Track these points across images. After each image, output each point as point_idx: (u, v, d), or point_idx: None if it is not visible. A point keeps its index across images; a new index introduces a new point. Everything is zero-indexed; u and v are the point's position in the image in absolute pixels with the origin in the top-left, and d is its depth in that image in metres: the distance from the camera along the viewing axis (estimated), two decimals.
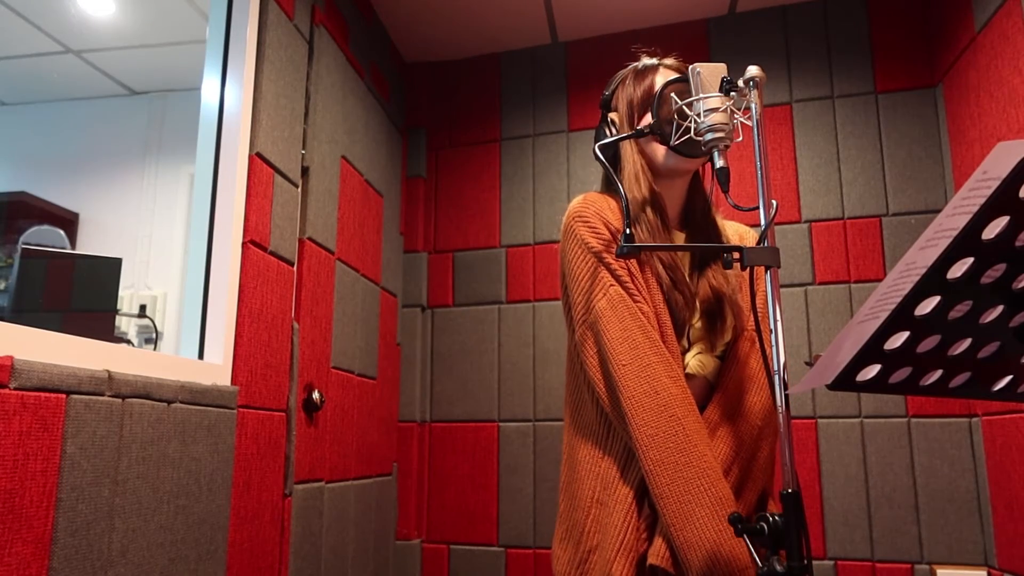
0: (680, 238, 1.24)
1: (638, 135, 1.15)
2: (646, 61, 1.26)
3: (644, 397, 1.03)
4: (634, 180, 1.18)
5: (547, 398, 2.51)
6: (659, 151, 1.18)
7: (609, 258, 1.11)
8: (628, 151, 1.21)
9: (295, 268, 1.88)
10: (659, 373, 1.04)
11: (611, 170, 1.14)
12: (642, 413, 1.02)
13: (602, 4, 2.54)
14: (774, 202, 1.00)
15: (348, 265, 2.21)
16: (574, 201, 1.19)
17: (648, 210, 1.16)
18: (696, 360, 1.15)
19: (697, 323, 1.17)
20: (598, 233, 1.13)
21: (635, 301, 1.08)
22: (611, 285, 1.10)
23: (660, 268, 1.14)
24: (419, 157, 2.80)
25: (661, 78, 1.21)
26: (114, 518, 1.16)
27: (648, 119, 1.21)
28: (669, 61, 1.25)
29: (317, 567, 1.87)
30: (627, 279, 1.10)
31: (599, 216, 1.15)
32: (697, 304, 1.17)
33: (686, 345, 1.16)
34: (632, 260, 1.12)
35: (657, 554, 1.02)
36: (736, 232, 1.28)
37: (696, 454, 1.00)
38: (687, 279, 1.16)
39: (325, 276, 2.04)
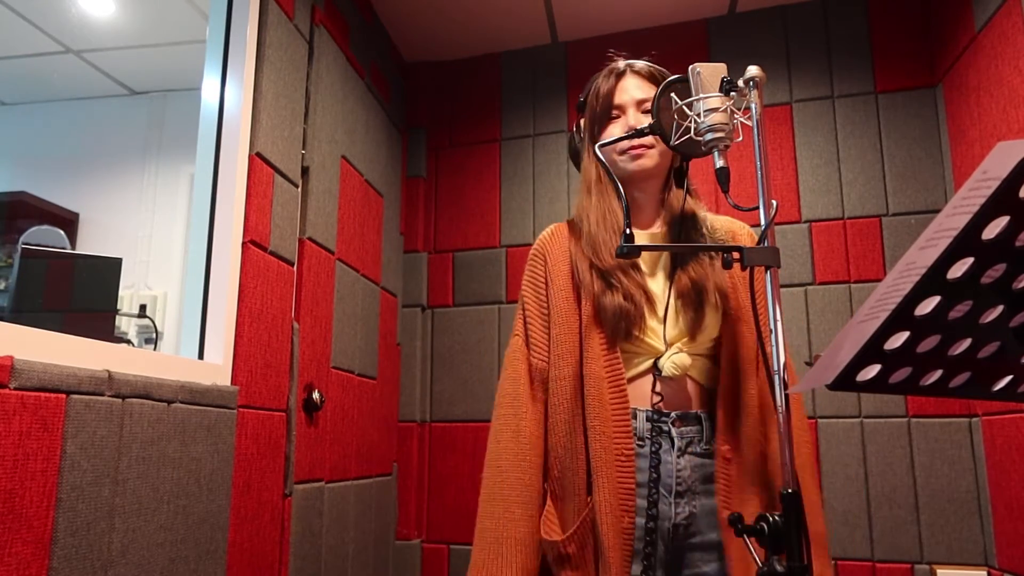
0: (658, 235, 1.24)
1: (639, 135, 1.15)
2: (617, 65, 1.26)
3: (492, 436, 1.21)
4: (585, 191, 1.24)
5: None
6: (617, 159, 1.22)
7: (529, 304, 1.25)
8: (585, 160, 1.27)
9: (295, 268, 1.88)
10: (506, 426, 1.19)
11: (609, 170, 1.14)
12: (489, 447, 1.22)
13: (602, 4, 2.54)
14: (774, 202, 1.00)
15: (348, 265, 2.21)
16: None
17: (592, 221, 1.20)
18: (670, 362, 1.13)
19: (673, 322, 1.16)
20: (534, 276, 1.26)
21: (530, 351, 1.22)
22: (515, 335, 1.25)
23: (587, 277, 1.18)
24: (419, 157, 2.80)
25: (624, 86, 1.23)
26: (114, 518, 1.16)
27: (610, 129, 1.23)
28: (640, 65, 1.24)
29: (317, 567, 1.87)
30: (537, 326, 1.22)
31: (542, 256, 1.26)
32: (671, 302, 1.16)
33: (662, 348, 1.15)
34: (565, 277, 1.22)
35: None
36: (726, 228, 1.24)
37: (505, 503, 1.15)
38: (642, 281, 1.16)
39: (325, 276, 2.04)
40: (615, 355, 1.14)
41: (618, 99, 1.23)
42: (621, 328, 1.14)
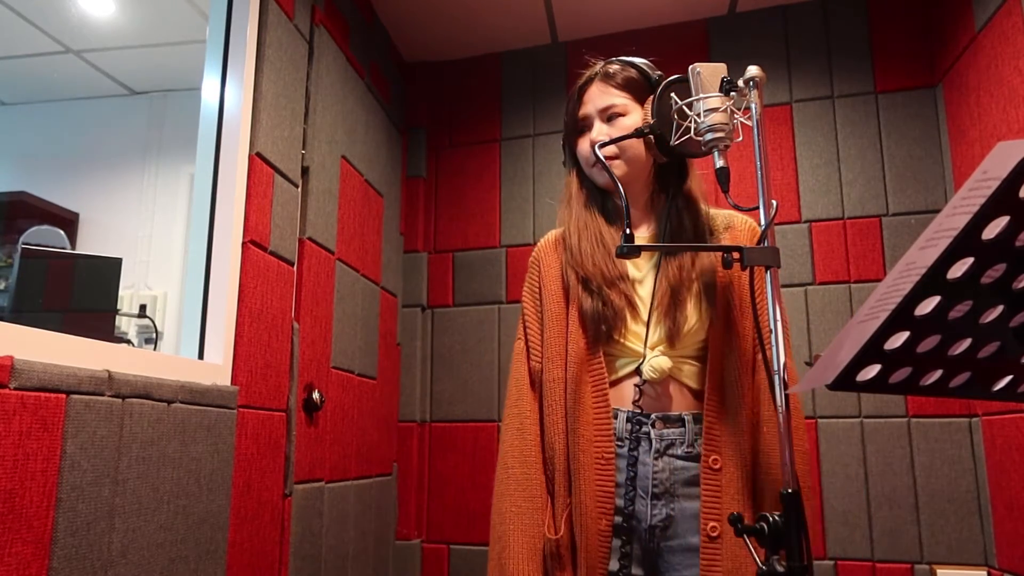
0: (647, 238, 1.23)
1: (638, 135, 1.15)
2: (588, 73, 1.25)
3: (501, 438, 1.25)
4: (564, 203, 1.28)
5: None
6: (588, 171, 1.25)
7: (527, 309, 1.28)
8: (567, 176, 1.30)
9: (295, 268, 1.88)
10: (511, 425, 1.23)
11: (612, 174, 1.14)
12: (498, 450, 1.25)
13: (602, 4, 2.54)
14: (774, 202, 1.00)
15: (348, 265, 2.21)
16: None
17: (572, 232, 1.23)
18: (649, 366, 1.13)
19: (656, 325, 1.15)
20: (531, 282, 1.29)
21: (529, 355, 1.25)
22: (518, 339, 1.28)
23: (573, 283, 1.20)
24: (419, 157, 2.80)
25: (587, 97, 1.23)
26: (114, 518, 1.16)
27: (580, 143, 1.24)
28: (606, 70, 1.23)
29: (317, 567, 1.87)
30: (534, 329, 1.26)
31: (537, 263, 1.29)
32: (654, 303, 1.15)
33: (642, 351, 1.15)
34: (553, 282, 1.26)
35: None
36: (726, 223, 1.23)
37: (510, 499, 1.18)
38: (625, 286, 1.16)
39: (325, 276, 2.04)
40: (597, 359, 1.16)
41: (583, 112, 1.23)
42: (602, 332, 1.15)
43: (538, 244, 1.31)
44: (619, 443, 1.14)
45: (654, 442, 1.13)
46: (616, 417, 1.15)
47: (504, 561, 1.14)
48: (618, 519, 1.12)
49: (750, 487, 1.12)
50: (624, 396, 1.16)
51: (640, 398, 1.14)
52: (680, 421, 1.14)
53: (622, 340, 1.16)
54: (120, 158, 3.32)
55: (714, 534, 1.08)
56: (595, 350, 1.16)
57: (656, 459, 1.13)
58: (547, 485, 1.19)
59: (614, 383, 1.17)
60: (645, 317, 1.16)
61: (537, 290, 1.27)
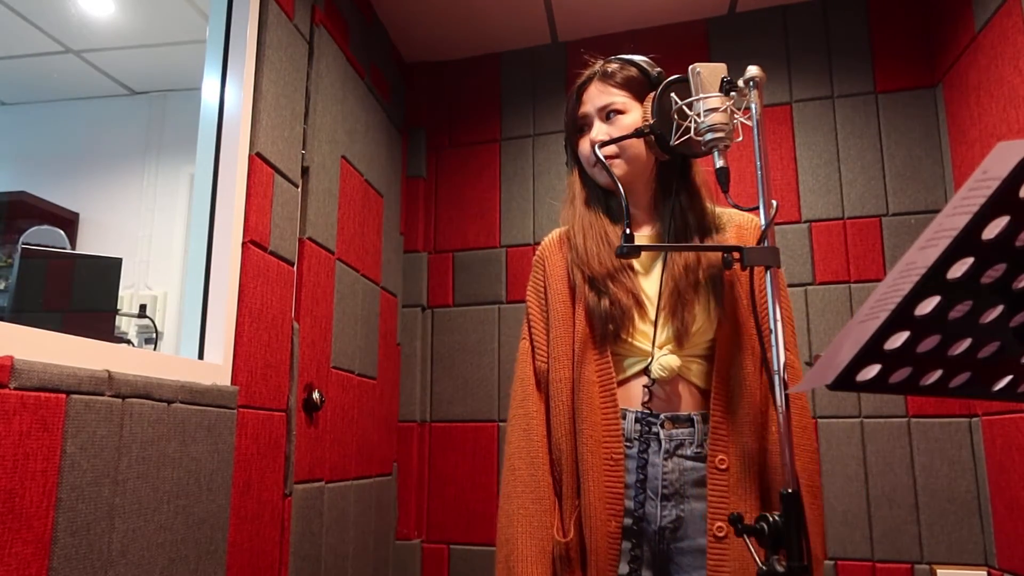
0: (651, 236, 1.23)
1: (638, 135, 1.15)
2: (588, 72, 1.25)
3: (507, 439, 1.24)
4: (568, 202, 1.27)
5: None
6: (590, 171, 1.24)
7: (532, 309, 1.27)
8: (569, 175, 1.30)
9: (295, 268, 1.88)
10: (517, 426, 1.22)
11: (612, 173, 1.13)
12: (504, 451, 1.24)
13: (602, 4, 2.54)
14: (774, 202, 1.00)
15: (348, 265, 2.21)
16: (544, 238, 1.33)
17: (577, 231, 1.23)
18: (658, 364, 1.12)
19: (664, 324, 1.14)
20: (536, 281, 1.28)
21: (534, 355, 1.24)
22: (523, 339, 1.27)
23: (580, 282, 1.19)
24: (419, 157, 2.80)
25: (587, 96, 1.22)
26: (114, 518, 1.16)
27: (581, 142, 1.23)
28: (605, 69, 1.22)
29: (317, 567, 1.87)
30: (539, 329, 1.25)
31: (541, 262, 1.29)
32: (661, 303, 1.15)
33: (650, 349, 1.14)
34: (558, 279, 1.24)
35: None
36: (734, 222, 1.22)
37: (518, 501, 1.17)
38: (631, 285, 1.16)
39: (325, 276, 2.04)
40: (605, 358, 1.15)
41: (582, 111, 1.23)
42: (609, 332, 1.15)
43: (542, 243, 1.30)
44: (628, 444, 1.13)
45: (663, 442, 1.12)
46: (624, 417, 1.14)
47: (512, 564, 1.12)
48: (627, 521, 1.11)
49: (758, 487, 1.10)
50: (632, 396, 1.15)
51: (650, 399, 1.13)
52: (689, 421, 1.13)
53: (630, 339, 1.15)
54: (120, 158, 3.32)
55: (720, 534, 1.08)
56: (602, 350, 1.15)
57: (666, 460, 1.12)
58: (554, 487, 1.18)
59: (622, 383, 1.16)
60: (652, 316, 1.15)
61: (542, 289, 1.26)
